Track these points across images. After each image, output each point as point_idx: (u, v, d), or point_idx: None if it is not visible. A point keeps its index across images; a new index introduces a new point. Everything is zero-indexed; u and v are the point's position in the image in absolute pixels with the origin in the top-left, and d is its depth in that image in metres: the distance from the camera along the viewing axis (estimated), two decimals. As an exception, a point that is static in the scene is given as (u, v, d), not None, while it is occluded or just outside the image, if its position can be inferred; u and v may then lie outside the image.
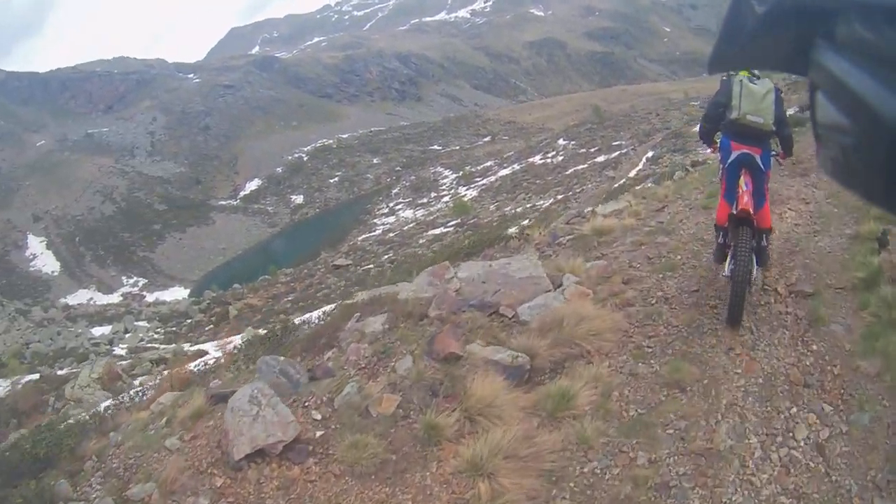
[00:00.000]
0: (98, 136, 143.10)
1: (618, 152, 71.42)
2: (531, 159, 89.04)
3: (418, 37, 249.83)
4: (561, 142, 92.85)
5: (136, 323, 53.68)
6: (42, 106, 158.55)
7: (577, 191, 59.43)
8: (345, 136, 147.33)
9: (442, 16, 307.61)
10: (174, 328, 50.81)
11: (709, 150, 9.44)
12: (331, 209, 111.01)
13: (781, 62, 1.06)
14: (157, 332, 49.82)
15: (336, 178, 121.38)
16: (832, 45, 0.90)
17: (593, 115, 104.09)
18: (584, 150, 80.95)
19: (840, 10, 0.88)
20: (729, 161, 8.25)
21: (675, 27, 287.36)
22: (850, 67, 0.86)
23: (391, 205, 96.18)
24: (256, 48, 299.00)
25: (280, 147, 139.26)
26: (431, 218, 73.71)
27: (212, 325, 47.59)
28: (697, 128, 9.60)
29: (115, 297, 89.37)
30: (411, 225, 74.51)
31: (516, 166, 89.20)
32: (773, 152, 8.56)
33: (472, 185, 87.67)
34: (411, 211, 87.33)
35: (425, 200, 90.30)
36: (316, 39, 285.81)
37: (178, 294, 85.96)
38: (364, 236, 79.39)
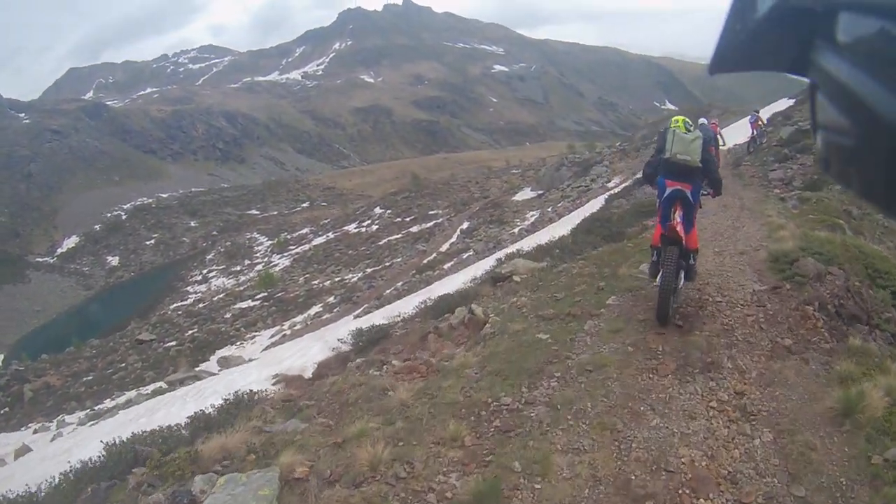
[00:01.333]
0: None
1: (433, 222, 72.77)
2: (346, 228, 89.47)
3: (248, 96, 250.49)
4: (377, 210, 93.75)
5: None
6: None
7: (387, 264, 59.92)
8: (165, 195, 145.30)
9: (274, 76, 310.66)
10: None
11: (650, 188, 11.40)
12: (146, 273, 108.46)
13: (781, 62, 1.08)
14: None
15: (153, 241, 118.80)
16: (832, 45, 0.91)
17: (411, 183, 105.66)
18: (399, 219, 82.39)
19: (840, 11, 0.89)
20: (664, 196, 9.90)
21: (502, 97, 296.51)
22: (850, 68, 0.87)
23: (205, 272, 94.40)
24: (91, 93, 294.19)
25: (100, 203, 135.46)
26: (241, 289, 72.85)
27: (7, 409, 46.08)
28: (641, 173, 12.03)
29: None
30: (221, 295, 73.13)
31: (331, 234, 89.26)
32: (705, 192, 10.50)
33: (286, 254, 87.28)
34: (224, 279, 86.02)
35: (238, 268, 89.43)
36: (149, 90, 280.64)
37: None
38: (175, 305, 77.66)
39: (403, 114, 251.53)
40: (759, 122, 39.11)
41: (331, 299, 52.63)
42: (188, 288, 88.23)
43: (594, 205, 36.86)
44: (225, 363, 36.15)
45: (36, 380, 50.64)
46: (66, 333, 78.50)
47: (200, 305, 70.84)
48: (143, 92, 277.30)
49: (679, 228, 9.52)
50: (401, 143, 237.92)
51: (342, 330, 22.52)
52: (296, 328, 45.67)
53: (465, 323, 12.31)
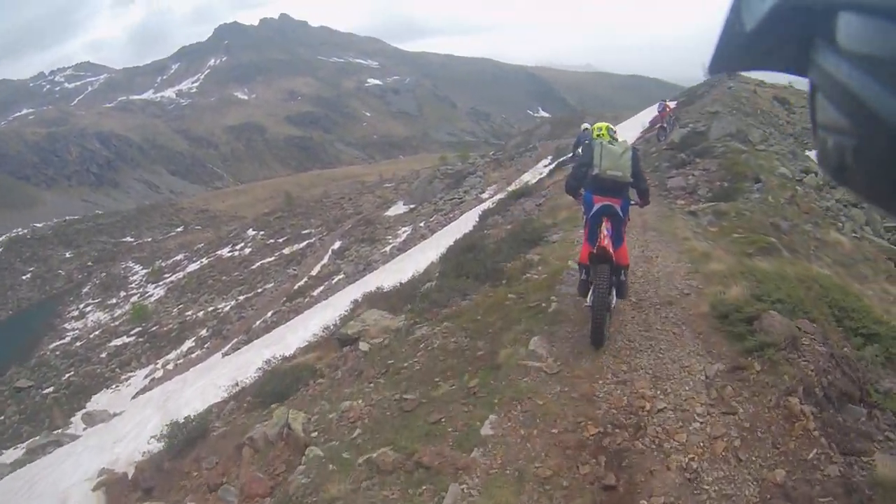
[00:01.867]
0: None
1: (306, 242, 73.13)
2: (220, 252, 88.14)
3: (123, 116, 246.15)
4: (250, 232, 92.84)
5: None
6: None
7: (259, 290, 59.73)
8: (40, 224, 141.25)
9: (149, 94, 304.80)
10: None
11: (574, 199, 10.81)
12: (24, 310, 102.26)
13: (781, 62, 1.08)
14: None
15: (29, 275, 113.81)
16: (832, 45, 0.91)
17: (284, 203, 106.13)
18: (272, 241, 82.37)
19: (840, 10, 0.88)
20: (592, 212, 9.57)
21: (376, 111, 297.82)
22: (850, 68, 0.86)
23: (81, 306, 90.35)
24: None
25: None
26: (116, 324, 71.39)
27: None
28: (564, 184, 11.16)
29: None
30: (97, 332, 70.97)
31: (204, 260, 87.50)
32: (632, 202, 10.13)
33: (161, 283, 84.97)
34: (100, 313, 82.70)
35: (114, 301, 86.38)
36: (25, 111, 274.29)
37: None
38: (54, 344, 74.16)
39: (277, 131, 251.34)
40: (668, 111, 39.47)
41: (203, 332, 52.80)
42: (66, 325, 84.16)
43: (468, 219, 35.58)
44: (90, 420, 36.56)
45: None
46: None
47: (78, 344, 69.17)
48: (19, 113, 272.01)
49: (608, 246, 9.28)
50: (274, 160, 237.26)
51: (188, 393, 23.88)
52: (168, 367, 45.99)
53: (284, 438, 9.95)
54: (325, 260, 58.96)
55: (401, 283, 20.60)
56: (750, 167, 22.70)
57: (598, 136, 10.15)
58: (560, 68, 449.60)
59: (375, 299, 19.18)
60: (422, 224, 54.69)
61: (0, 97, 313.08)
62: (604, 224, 9.43)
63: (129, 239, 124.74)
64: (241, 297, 60.53)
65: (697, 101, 48.41)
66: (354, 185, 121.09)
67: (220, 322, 53.52)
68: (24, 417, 47.35)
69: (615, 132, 10.57)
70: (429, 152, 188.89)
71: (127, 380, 49.14)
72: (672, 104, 42.64)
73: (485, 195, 54.91)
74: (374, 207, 79.17)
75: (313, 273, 55.74)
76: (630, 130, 46.01)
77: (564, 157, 42.84)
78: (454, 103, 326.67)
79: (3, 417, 49.26)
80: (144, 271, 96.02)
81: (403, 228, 57.61)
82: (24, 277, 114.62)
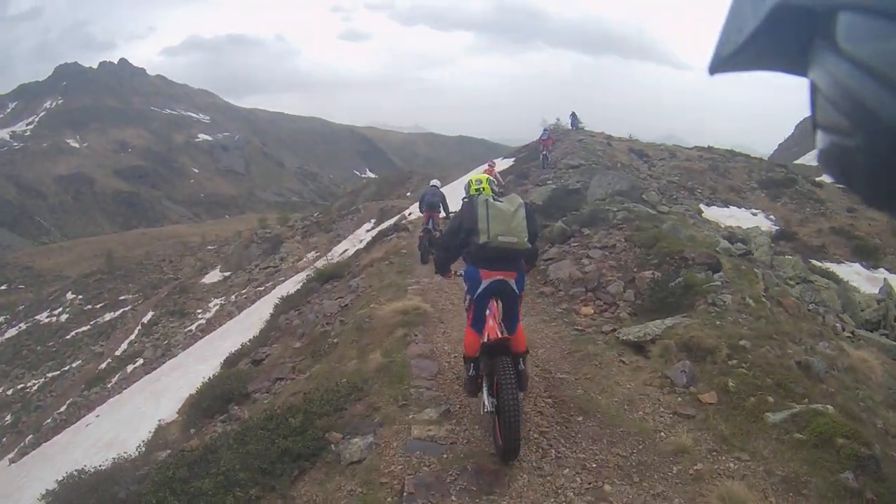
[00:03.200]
0: None
1: (121, 310, 71.16)
2: (39, 316, 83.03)
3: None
4: (69, 295, 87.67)
5: None
6: None
7: (67, 368, 57.87)
8: None
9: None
10: None
11: (443, 278, 9.15)
12: None
13: (781, 63, 1.10)
14: None
15: None
16: (832, 45, 0.92)
17: (105, 264, 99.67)
18: (89, 307, 79.00)
19: (840, 10, 0.89)
20: (478, 292, 7.80)
21: (204, 168, 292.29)
22: (849, 68, 0.87)
23: None
24: None
25: None
26: None
27: None
28: (434, 258, 9.57)
29: None
30: None
31: (23, 325, 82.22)
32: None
33: None
34: None
35: None
36: None
37: None
38: None
39: (105, 184, 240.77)
40: (552, 139, 40.42)
41: (8, 417, 50.59)
42: None
43: (274, 297, 32.76)
44: None
45: None
46: None
47: None
48: None
49: (499, 332, 7.65)
50: (102, 215, 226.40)
51: None
52: None
53: None
54: (133, 335, 57.20)
55: (159, 426, 17.32)
56: (680, 242, 16.09)
57: (476, 189, 8.72)
58: (387, 128, 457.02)
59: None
60: (233, 297, 54.32)
61: None
62: (491, 305, 7.92)
63: None
64: (50, 375, 58.22)
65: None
66: (178, 245, 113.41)
67: (24, 405, 52.02)
68: None
69: (496, 183, 9.68)
70: (255, 212, 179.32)
71: None
72: (498, 166, 42.48)
73: (301, 262, 54.94)
74: (193, 272, 77.98)
75: (118, 352, 53.79)
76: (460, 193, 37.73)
77: (386, 226, 40.89)
78: (282, 162, 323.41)
79: None
80: None
81: (215, 300, 57.36)
82: None
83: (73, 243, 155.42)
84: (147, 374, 37.77)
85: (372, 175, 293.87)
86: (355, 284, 20.01)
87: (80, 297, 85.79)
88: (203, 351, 33.25)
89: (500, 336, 7.64)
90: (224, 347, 25.34)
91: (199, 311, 55.94)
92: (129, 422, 22.64)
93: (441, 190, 21.72)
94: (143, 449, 15.01)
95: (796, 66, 1.06)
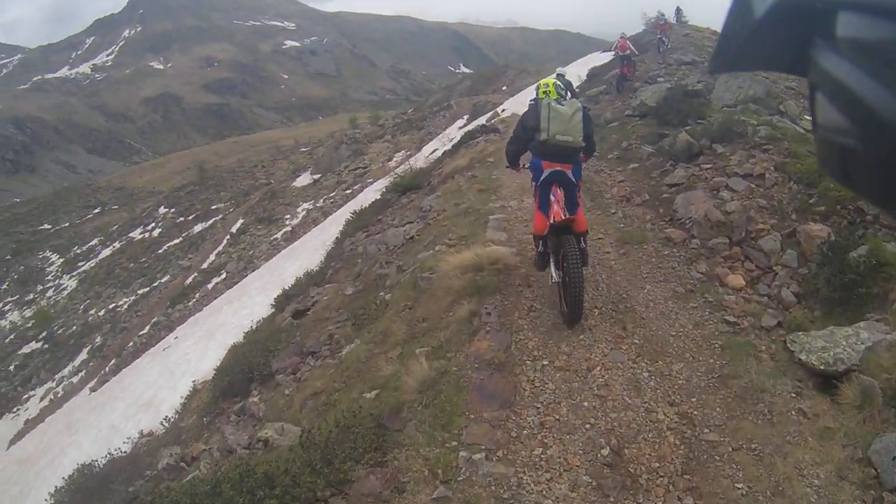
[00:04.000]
0: None
1: (213, 220, 70.56)
2: (132, 234, 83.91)
3: (39, 96, 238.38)
4: (161, 210, 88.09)
5: None
6: None
7: (156, 284, 57.29)
8: None
9: (64, 71, 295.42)
10: None
11: (513, 170, 10.12)
12: None
13: (781, 62, 1.07)
14: None
15: None
16: (832, 45, 0.91)
17: (196, 175, 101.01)
18: (182, 220, 79.09)
19: (840, 10, 0.88)
20: (541, 179, 8.92)
21: (293, 73, 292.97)
22: (850, 68, 0.86)
23: (0, 306, 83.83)
24: None
25: None
26: (27, 326, 67.55)
27: None
28: (504, 151, 10.00)
29: None
30: (11, 336, 67.27)
31: (117, 244, 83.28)
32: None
33: (75, 273, 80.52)
34: (18, 312, 77.38)
35: (32, 297, 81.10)
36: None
37: None
38: None
39: (193, 99, 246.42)
40: (668, 25, 38.14)
41: (98, 339, 50.95)
42: None
43: (365, 199, 31.34)
44: None
45: None
46: None
47: None
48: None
49: (563, 214, 8.73)
50: (192, 130, 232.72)
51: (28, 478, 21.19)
52: (58, 395, 43.33)
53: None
54: (221, 246, 57.02)
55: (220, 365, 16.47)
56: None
57: (543, 93, 9.40)
58: (481, 24, 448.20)
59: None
60: (321, 202, 53.28)
61: None
62: (554, 191, 8.99)
63: (46, 226, 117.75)
64: (140, 292, 58.75)
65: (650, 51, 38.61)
66: (271, 150, 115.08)
67: (112, 327, 51.94)
68: None
69: (563, 88, 9.97)
70: (349, 112, 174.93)
71: (27, 400, 47.28)
72: (579, 72, 40.48)
73: (392, 162, 52.83)
74: (286, 176, 76.54)
75: (204, 266, 54.12)
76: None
77: (476, 125, 38.45)
78: (373, 62, 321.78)
79: None
80: (61, 260, 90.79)
81: (303, 205, 56.06)
82: None
83: (164, 159, 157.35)
84: (229, 288, 37.90)
85: (466, 70, 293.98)
86: (428, 205, 16.78)
87: (173, 210, 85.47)
88: (270, 273, 32.42)
89: (564, 218, 8.61)
90: (289, 272, 24.94)
91: (287, 216, 55.34)
92: (173, 373, 22.81)
93: (567, 79, 19.51)
94: (168, 425, 16.09)
95: (796, 66, 1.04)
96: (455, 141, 33.69)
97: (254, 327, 17.93)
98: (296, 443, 7.66)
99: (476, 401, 7.53)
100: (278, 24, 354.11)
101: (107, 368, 39.64)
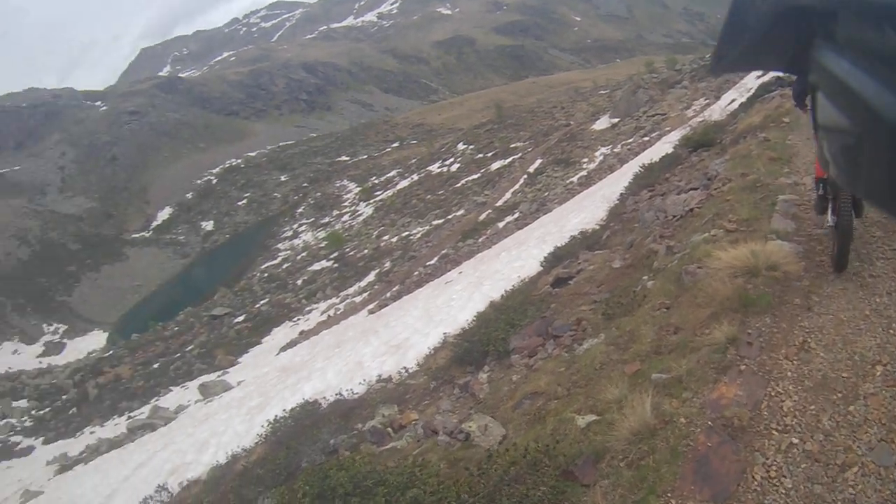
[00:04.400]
0: (10, 175, 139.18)
1: (511, 157, 69.70)
2: (430, 168, 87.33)
3: (326, 44, 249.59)
4: (460, 146, 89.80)
5: (14, 405, 54.29)
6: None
7: (450, 217, 58.22)
8: (253, 153, 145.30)
9: (349, 21, 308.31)
10: (48, 408, 51.54)
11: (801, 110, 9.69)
12: (240, 234, 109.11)
13: (782, 62, 1.06)
14: (30, 418, 50.74)
15: (244, 200, 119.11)
16: (832, 45, 0.90)
17: (495, 114, 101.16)
18: (480, 156, 79.54)
19: (840, 10, 0.88)
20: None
21: (585, 16, 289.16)
22: (850, 67, 0.86)
23: (295, 226, 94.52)
24: (167, 68, 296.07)
25: (189, 172, 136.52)
26: (320, 246, 73.36)
27: (74, 409, 48.46)
28: (791, 89, 10.37)
29: (38, 347, 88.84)
30: (303, 254, 74.32)
31: (415, 177, 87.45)
32: None
33: (371, 201, 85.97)
34: (313, 233, 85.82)
35: (327, 220, 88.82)
36: (225, 54, 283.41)
37: (96, 340, 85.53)
38: (266, 264, 78.71)
39: (486, 42, 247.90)
40: None
41: (387, 264, 52.95)
42: (279, 245, 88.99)
43: (658, 151, 28.96)
44: (205, 391, 35.43)
45: (109, 371, 52.75)
46: (165, 304, 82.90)
47: (284, 266, 72.18)
48: (219, 58, 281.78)
49: None
50: (488, 70, 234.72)
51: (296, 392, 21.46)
52: (338, 311, 45.29)
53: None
54: (518, 185, 56.23)
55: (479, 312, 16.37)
56: None
57: None
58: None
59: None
60: (618, 147, 50.71)
61: (197, 48, 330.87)
62: None
63: (344, 158, 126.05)
64: (434, 223, 60.30)
65: None
66: (569, 92, 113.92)
67: (403, 254, 53.55)
68: (202, 353, 49.19)
69: None
70: (644, 55, 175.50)
71: (308, 313, 50.21)
72: None
73: (689, 111, 49.12)
74: (584, 118, 72.99)
75: (499, 203, 53.21)
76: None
77: (770, 77, 33.26)
78: (665, 4, 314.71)
79: (191, 347, 52.22)
80: (358, 189, 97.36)
81: (600, 150, 53.25)
82: (240, 203, 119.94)
83: (462, 98, 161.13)
84: (519, 228, 37.47)
85: None
86: (714, 171, 14.74)
87: (471, 147, 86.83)
88: (554, 223, 29.85)
89: None
90: (571, 224, 24.36)
91: (585, 160, 52.88)
92: (431, 318, 22.59)
93: None
94: (401, 377, 16.08)
95: (797, 66, 1.07)
96: (751, 93, 30.77)
97: (507, 291, 17.59)
98: (487, 454, 7.13)
99: (688, 478, 5.43)
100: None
101: (388, 294, 40.41)
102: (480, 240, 42.74)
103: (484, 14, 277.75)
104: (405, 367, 16.39)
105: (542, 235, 27.16)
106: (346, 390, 16.16)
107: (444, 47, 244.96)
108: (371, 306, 38.30)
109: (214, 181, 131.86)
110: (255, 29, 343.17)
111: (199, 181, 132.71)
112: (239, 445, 17.58)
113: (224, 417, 24.68)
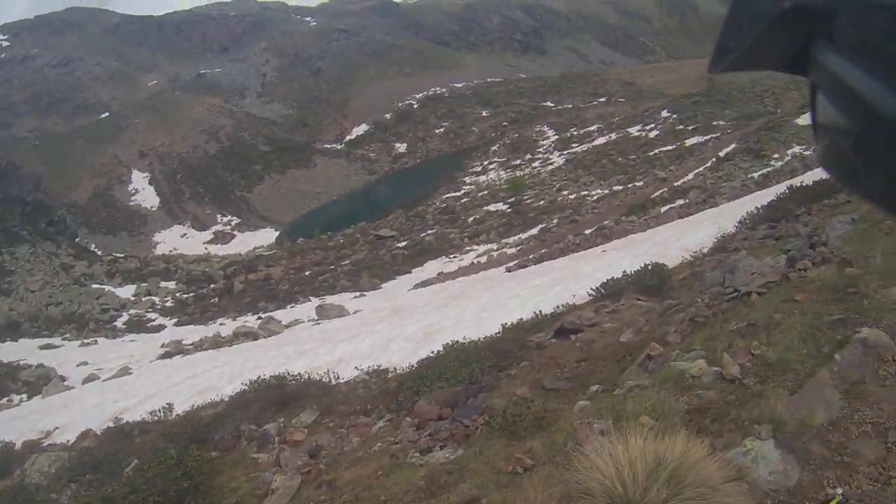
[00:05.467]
0: (210, 76, 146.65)
1: (710, 135, 67.85)
2: (630, 129, 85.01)
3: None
4: (664, 113, 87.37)
5: (162, 284, 56.52)
6: (156, 47, 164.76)
7: (630, 185, 56.79)
8: (458, 85, 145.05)
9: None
10: (193, 293, 53.56)
11: None
12: (431, 160, 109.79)
13: (782, 62, 1.02)
14: (172, 299, 52.74)
15: (442, 129, 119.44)
16: (832, 45, 0.89)
17: (706, 87, 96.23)
18: (681, 127, 77.36)
19: (840, 9, 0.87)
20: None
21: None
22: (850, 67, 0.85)
23: (485, 163, 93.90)
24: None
25: (391, 93, 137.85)
26: (502, 187, 72.27)
27: (216, 298, 50.24)
28: None
29: (207, 234, 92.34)
30: (484, 192, 73.49)
31: (613, 136, 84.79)
32: None
33: (566, 152, 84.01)
34: (501, 172, 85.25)
35: (518, 162, 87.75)
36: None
37: (266, 236, 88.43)
38: (448, 195, 78.82)
39: (710, 9, 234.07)
40: None
41: (555, 220, 51.79)
42: (466, 178, 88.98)
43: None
44: (322, 312, 35.74)
45: (263, 269, 54.67)
46: (341, 214, 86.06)
47: (464, 200, 71.90)
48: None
49: None
50: (708, 38, 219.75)
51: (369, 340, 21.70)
52: (491, 257, 45.20)
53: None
54: (702, 168, 53.61)
55: None
56: None
57: None
58: None
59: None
60: (809, 151, 45.48)
61: None
62: None
63: (548, 104, 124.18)
64: (615, 188, 58.45)
65: None
66: (787, 77, 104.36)
67: (573, 213, 52.06)
68: (353, 269, 49.83)
69: None
70: None
71: (466, 252, 50.09)
72: None
73: None
74: (794, 109, 66.40)
75: (678, 183, 50.89)
76: None
77: None
78: None
79: (346, 262, 53.04)
80: (556, 137, 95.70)
81: (795, 148, 49.64)
82: (437, 131, 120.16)
83: (677, 64, 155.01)
84: (681, 217, 35.87)
85: None
86: (822, 235, 11.58)
87: (675, 116, 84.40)
88: (668, 232, 29.07)
89: None
90: (681, 243, 22.52)
91: (776, 155, 49.41)
92: (485, 309, 22.28)
93: None
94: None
95: (796, 66, 1.03)
96: None
97: (514, 323, 16.21)
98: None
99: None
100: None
101: (532, 255, 39.47)
102: (642, 219, 40.78)
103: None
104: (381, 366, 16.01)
105: (654, 245, 25.30)
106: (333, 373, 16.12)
107: (667, 7, 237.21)
108: (511, 264, 37.97)
109: (415, 106, 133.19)
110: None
111: (400, 104, 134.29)
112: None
113: (310, 346, 24.56)
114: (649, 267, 16.33)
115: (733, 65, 1.17)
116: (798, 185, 20.31)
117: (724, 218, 23.51)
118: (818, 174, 22.66)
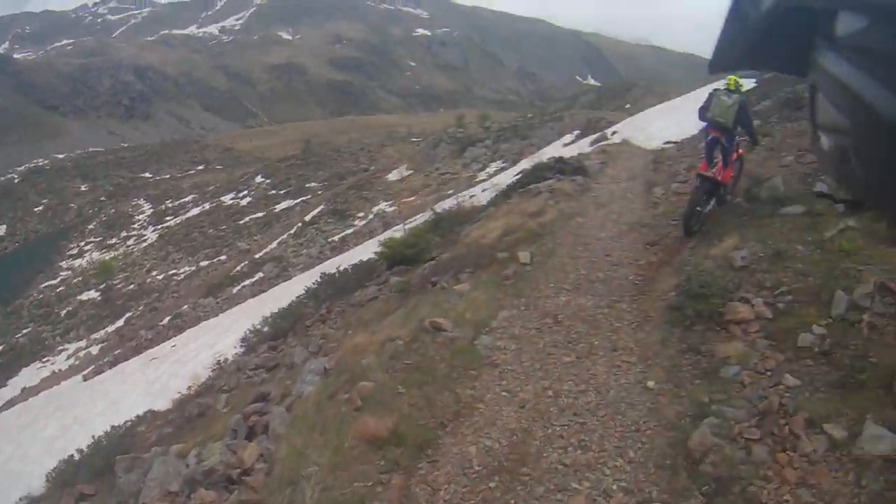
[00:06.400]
0: None
1: (301, 198, 69.90)
2: (223, 197, 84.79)
3: (163, 49, 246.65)
4: (258, 179, 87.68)
5: None
6: None
7: (215, 259, 57.05)
8: (60, 156, 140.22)
9: (191, 30, 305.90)
10: None
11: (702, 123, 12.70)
12: (31, 243, 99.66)
13: (782, 63, 1.08)
14: None
15: (41, 207, 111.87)
16: (832, 45, 0.90)
17: (302, 149, 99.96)
18: (273, 192, 78.97)
19: (840, 11, 0.88)
20: (706, 140, 12.27)
21: (421, 62, 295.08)
22: (850, 68, 0.86)
23: (82, 244, 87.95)
24: (6, 44, 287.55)
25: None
26: (91, 273, 68.54)
27: None
28: (697, 111, 12.73)
29: None
30: (78, 279, 69.34)
31: (207, 205, 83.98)
32: (742, 137, 12.44)
33: (160, 226, 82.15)
34: (97, 254, 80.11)
35: (114, 241, 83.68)
36: (64, 41, 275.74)
37: None
38: (46, 283, 73.12)
39: (318, 73, 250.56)
40: None
41: (140, 307, 49.86)
42: (63, 263, 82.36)
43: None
44: None
45: None
46: None
47: (60, 289, 67.77)
48: (57, 44, 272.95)
49: (717, 170, 11.90)
50: (313, 102, 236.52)
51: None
52: (77, 360, 41.50)
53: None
54: (287, 234, 53.73)
55: None
56: None
57: (726, 86, 12.09)
58: (615, 37, 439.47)
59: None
60: (392, 208, 47.56)
61: (42, 28, 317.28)
62: (716, 151, 12.14)
63: (146, 175, 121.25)
64: (201, 264, 57.89)
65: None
66: (383, 135, 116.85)
67: (157, 298, 50.73)
68: None
69: (740, 84, 12.36)
70: (471, 107, 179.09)
71: (58, 353, 46.10)
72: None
73: (483, 173, 49.19)
74: (386, 165, 73.33)
75: (259, 254, 50.49)
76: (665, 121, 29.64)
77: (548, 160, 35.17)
78: (501, 61, 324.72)
79: None
80: (151, 210, 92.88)
81: (380, 205, 52.47)
82: (36, 209, 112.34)
83: (279, 127, 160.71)
84: (254, 296, 34.06)
85: (594, 82, 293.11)
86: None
87: (268, 181, 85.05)
88: (235, 320, 26.13)
89: (712, 173, 11.86)
90: (218, 346, 20.92)
91: (360, 214, 51.78)
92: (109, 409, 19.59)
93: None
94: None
95: (796, 66, 1.05)
96: (517, 177, 23.11)
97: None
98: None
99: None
100: (412, 10, 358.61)
101: (106, 358, 35.77)
102: (219, 300, 38.95)
103: (323, 45, 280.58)
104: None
105: (174, 364, 22.76)
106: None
107: (276, 72, 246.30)
108: (87, 371, 33.30)
109: (17, 180, 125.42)
110: (100, 20, 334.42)
111: (2, 178, 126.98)
112: None
113: None
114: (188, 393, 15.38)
115: (734, 66, 1.28)
116: (333, 272, 18.80)
117: (266, 307, 21.68)
118: (394, 232, 24.71)
